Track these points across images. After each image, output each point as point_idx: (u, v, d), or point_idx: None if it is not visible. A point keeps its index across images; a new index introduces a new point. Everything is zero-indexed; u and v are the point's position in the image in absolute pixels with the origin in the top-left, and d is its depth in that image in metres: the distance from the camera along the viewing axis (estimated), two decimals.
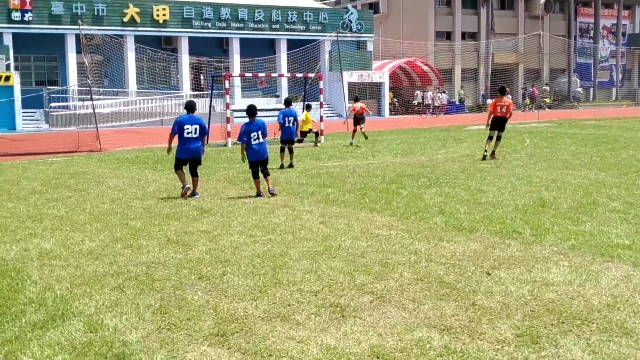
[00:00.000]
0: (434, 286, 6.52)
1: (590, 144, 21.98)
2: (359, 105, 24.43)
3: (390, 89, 46.55)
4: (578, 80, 56.81)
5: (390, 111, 46.01)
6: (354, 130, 23.91)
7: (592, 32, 59.15)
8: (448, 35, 52.99)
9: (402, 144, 23.63)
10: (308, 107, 23.09)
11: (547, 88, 53.12)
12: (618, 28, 60.16)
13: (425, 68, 48.28)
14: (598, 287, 6.43)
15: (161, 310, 5.90)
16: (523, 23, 55.50)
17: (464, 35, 53.40)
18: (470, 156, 18.92)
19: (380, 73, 45.22)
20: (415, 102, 46.97)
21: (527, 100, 51.01)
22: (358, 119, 24.12)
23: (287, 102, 18.39)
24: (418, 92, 47.34)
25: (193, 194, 12.25)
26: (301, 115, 21.87)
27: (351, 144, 23.06)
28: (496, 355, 4.86)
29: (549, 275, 6.79)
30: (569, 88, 56.29)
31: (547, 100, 51.31)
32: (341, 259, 7.58)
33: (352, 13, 44.80)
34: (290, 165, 16.91)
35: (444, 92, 48.22)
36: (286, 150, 17.25)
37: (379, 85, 44.91)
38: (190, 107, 12.73)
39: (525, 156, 18.52)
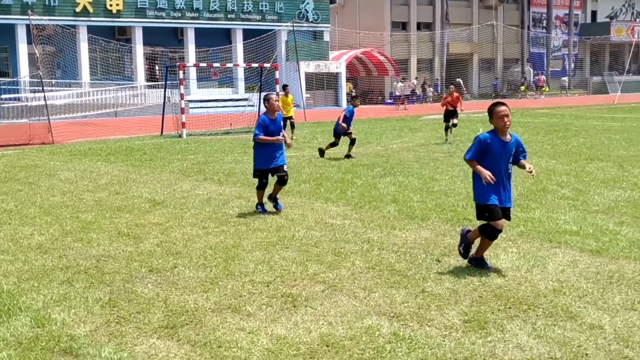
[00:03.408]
0: (385, 274, 6.58)
1: (542, 132, 22.36)
2: None
3: (348, 79, 46.62)
4: (531, 70, 57.66)
5: (348, 101, 46.08)
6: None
7: (545, 22, 59.98)
8: (404, 26, 53.27)
9: (359, 134, 23.58)
10: (284, 88, 22.80)
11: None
12: (570, 18, 61.15)
13: (381, 58, 48.47)
14: (545, 272, 6.56)
15: (110, 304, 5.83)
16: (477, 13, 56.07)
17: (419, 26, 53.75)
18: (424, 145, 19.10)
19: (337, 63, 45.24)
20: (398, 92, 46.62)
21: (523, 88, 52.14)
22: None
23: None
24: (396, 83, 47.13)
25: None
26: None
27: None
28: (444, 341, 4.93)
29: (497, 262, 6.90)
30: (522, 77, 57.04)
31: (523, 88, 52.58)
32: (294, 249, 7.59)
33: (308, 3, 44.69)
34: None
35: (416, 79, 48.32)
36: None
37: (336, 76, 44.94)
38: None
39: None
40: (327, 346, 4.87)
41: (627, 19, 65.11)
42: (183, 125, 23.61)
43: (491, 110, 6.50)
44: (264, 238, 8.11)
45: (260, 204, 9.90)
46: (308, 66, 42.46)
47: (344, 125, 16.48)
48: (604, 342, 4.85)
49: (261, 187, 9.93)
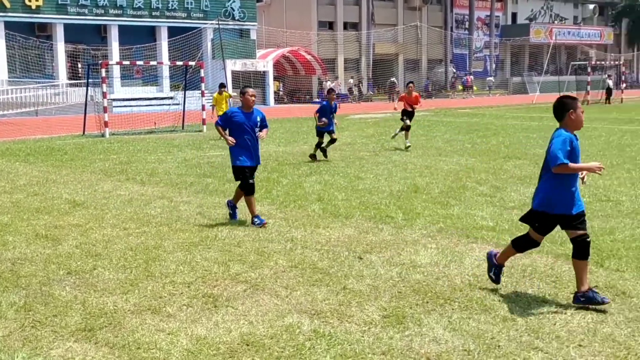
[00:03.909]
0: (308, 272, 6.63)
1: (463, 131, 22.90)
2: None
3: (275, 78, 46.61)
4: (454, 70, 58.94)
5: (275, 100, 46.10)
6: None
7: (467, 23, 61.48)
8: (330, 25, 53.60)
9: (286, 133, 23.75)
10: (221, 87, 22.55)
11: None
12: (491, 20, 62.83)
13: (308, 57, 48.66)
14: (462, 267, 6.75)
15: (25, 308, 5.68)
16: (402, 14, 56.93)
17: (345, 26, 54.17)
18: (350, 144, 19.29)
19: (264, 62, 45.18)
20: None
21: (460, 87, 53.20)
22: None
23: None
24: (325, 82, 47.19)
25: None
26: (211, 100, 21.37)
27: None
28: (363, 336, 5.02)
29: (417, 258, 7.06)
30: (445, 78, 58.24)
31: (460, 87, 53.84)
32: (217, 249, 7.56)
33: (234, 1, 44.44)
34: None
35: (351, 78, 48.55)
36: None
37: (263, 74, 44.87)
38: None
39: (402, 144, 19.04)
40: (247, 345, 4.88)
41: (545, 21, 67.37)
42: (106, 124, 23.13)
43: (567, 104, 5.68)
44: (186, 239, 8.04)
45: (234, 206, 9.10)
46: (235, 64, 42.27)
47: (324, 120, 15.50)
48: (515, 334, 5.03)
49: (246, 189, 8.81)
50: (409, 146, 17.65)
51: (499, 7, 64.00)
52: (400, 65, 56.84)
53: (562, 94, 40.38)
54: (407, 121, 18.15)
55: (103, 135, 22.91)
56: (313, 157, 15.59)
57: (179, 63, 28.54)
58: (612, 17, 75.51)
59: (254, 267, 6.82)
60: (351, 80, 51.64)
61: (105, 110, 23.51)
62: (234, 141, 8.75)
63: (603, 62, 52.38)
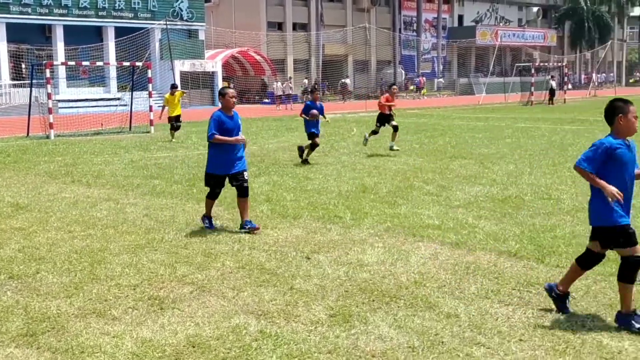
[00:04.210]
0: (255, 273, 6.64)
1: (411, 131, 23.15)
2: None
3: (224, 78, 46.37)
4: (403, 72, 59.55)
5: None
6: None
7: (415, 25, 62.17)
8: (280, 26, 53.57)
9: None
10: (172, 87, 22.13)
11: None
12: (438, 22, 63.66)
13: (258, 58, 48.54)
14: (408, 265, 6.85)
15: None
16: (351, 15, 57.26)
17: (295, 26, 54.22)
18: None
19: (212, 62, 44.88)
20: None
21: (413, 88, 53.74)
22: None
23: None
24: (275, 83, 46.98)
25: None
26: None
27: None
28: (309, 335, 5.05)
29: (364, 257, 7.14)
30: (394, 79, 58.80)
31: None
32: (163, 251, 7.51)
33: (182, 1, 44.03)
34: None
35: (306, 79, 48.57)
36: None
37: (212, 75, 44.58)
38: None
39: (352, 144, 19.20)
40: (193, 347, 4.87)
41: (491, 24, 68.60)
42: (51, 125, 22.65)
43: (617, 108, 5.20)
44: (132, 241, 7.96)
45: (208, 217, 8.65)
46: (183, 65, 41.91)
47: (313, 112, 14.79)
48: (459, 330, 5.13)
49: (213, 197, 8.64)
50: (397, 149, 16.59)
51: (445, 9, 64.91)
52: (349, 66, 57.14)
53: (507, 95, 40.94)
54: (394, 122, 17.04)
55: (48, 137, 22.44)
56: (303, 161, 14.87)
57: (126, 64, 28.17)
58: (555, 20, 77.39)
59: (200, 269, 6.79)
60: (305, 81, 51.69)
61: (50, 111, 23.01)
62: (244, 138, 8.52)
63: (546, 64, 53.63)
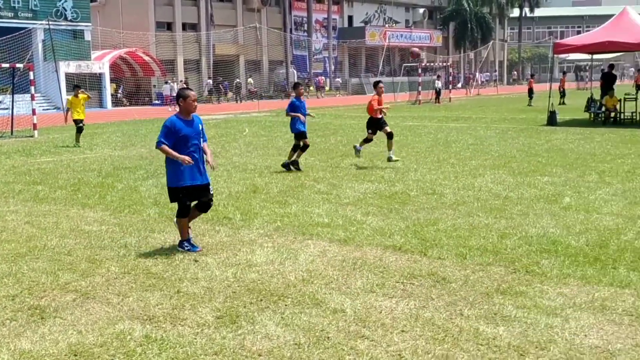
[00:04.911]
0: (141, 277, 6.52)
1: None
2: None
3: (112, 80, 45.14)
4: (295, 72, 59.89)
5: (113, 103, 44.63)
6: None
7: (306, 25, 62.67)
8: (169, 26, 52.66)
9: (123, 136, 23.09)
10: (76, 88, 20.68)
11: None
12: (329, 22, 64.45)
13: (146, 58, 47.51)
14: (296, 264, 6.92)
15: None
16: (242, 15, 57.04)
17: (184, 26, 53.44)
18: None
19: (100, 63, 43.59)
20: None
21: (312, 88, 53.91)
22: None
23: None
24: (165, 84, 45.84)
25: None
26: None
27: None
28: (195, 338, 5.02)
29: (253, 257, 7.15)
30: (287, 79, 59.03)
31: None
32: (45, 259, 7.25)
33: (66, 1, 42.52)
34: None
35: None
36: None
37: (99, 76, 43.30)
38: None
39: (243, 145, 19.16)
40: (75, 355, 4.74)
41: (379, 24, 70.07)
42: None
43: None
44: (11, 249, 7.64)
45: (187, 240, 7.51)
46: (68, 66, 40.50)
47: (300, 115, 13.78)
48: (344, 325, 5.24)
49: (185, 214, 7.44)
50: (397, 160, 14.20)
51: (335, 10, 65.77)
52: (241, 66, 56.91)
53: (396, 94, 42.15)
54: (387, 128, 14.26)
55: None
56: (292, 165, 13.68)
57: (5, 65, 26.90)
58: (441, 21, 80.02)
59: (84, 276, 6.61)
60: (210, 81, 51.06)
61: None
62: (191, 160, 7.24)
63: (433, 64, 55.35)
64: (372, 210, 9.50)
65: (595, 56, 32.73)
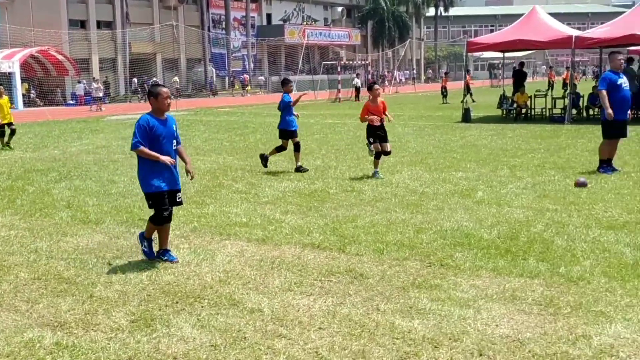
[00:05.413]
0: (52, 283, 6.31)
1: (222, 130, 23.17)
2: None
3: (24, 79, 43.55)
4: (214, 70, 59.34)
5: (25, 103, 43.07)
6: None
7: (224, 23, 62.15)
8: (82, 24, 51.25)
9: (35, 137, 22.31)
10: None
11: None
12: (247, 20, 64.10)
13: (60, 57, 46.05)
14: (213, 264, 6.84)
15: None
16: (158, 13, 56.06)
17: (99, 24, 52.12)
18: (105, 147, 18.62)
19: (9, 62, 41.93)
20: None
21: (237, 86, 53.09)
22: None
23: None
24: (79, 83, 44.40)
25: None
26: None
27: None
28: (109, 343, 4.89)
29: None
30: (205, 77, 58.46)
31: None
32: None
33: None
34: None
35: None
36: None
37: (9, 76, 41.66)
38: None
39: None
40: None
41: (298, 22, 70.19)
42: None
43: None
44: None
45: (149, 240, 7.07)
46: None
47: (295, 115, 13.42)
48: (261, 324, 5.21)
49: (160, 222, 6.92)
50: (382, 177, 12.06)
51: (254, 7, 65.46)
52: (159, 64, 55.94)
53: (316, 92, 42.32)
54: (386, 145, 12.46)
55: None
56: (299, 170, 13.07)
57: None
58: (359, 19, 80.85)
59: None
60: (136, 80, 49.83)
61: None
62: (173, 161, 6.84)
63: (352, 62, 55.83)
64: (291, 209, 9.50)
65: (508, 54, 33.70)
